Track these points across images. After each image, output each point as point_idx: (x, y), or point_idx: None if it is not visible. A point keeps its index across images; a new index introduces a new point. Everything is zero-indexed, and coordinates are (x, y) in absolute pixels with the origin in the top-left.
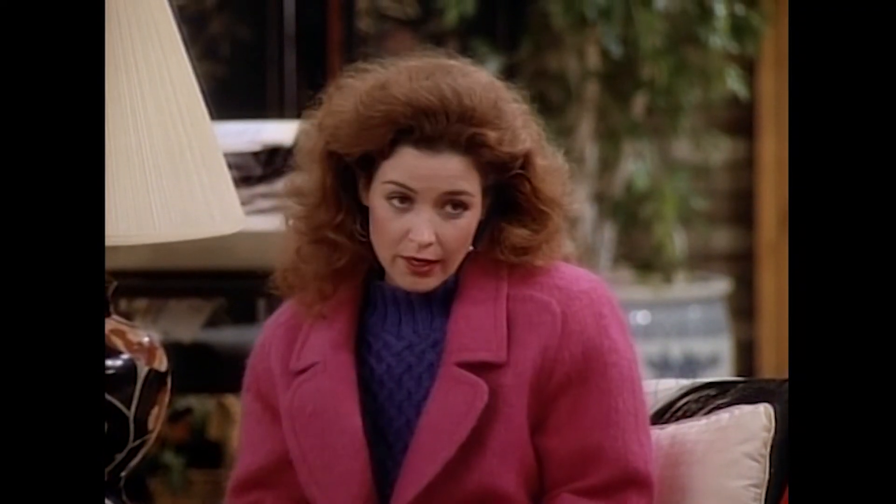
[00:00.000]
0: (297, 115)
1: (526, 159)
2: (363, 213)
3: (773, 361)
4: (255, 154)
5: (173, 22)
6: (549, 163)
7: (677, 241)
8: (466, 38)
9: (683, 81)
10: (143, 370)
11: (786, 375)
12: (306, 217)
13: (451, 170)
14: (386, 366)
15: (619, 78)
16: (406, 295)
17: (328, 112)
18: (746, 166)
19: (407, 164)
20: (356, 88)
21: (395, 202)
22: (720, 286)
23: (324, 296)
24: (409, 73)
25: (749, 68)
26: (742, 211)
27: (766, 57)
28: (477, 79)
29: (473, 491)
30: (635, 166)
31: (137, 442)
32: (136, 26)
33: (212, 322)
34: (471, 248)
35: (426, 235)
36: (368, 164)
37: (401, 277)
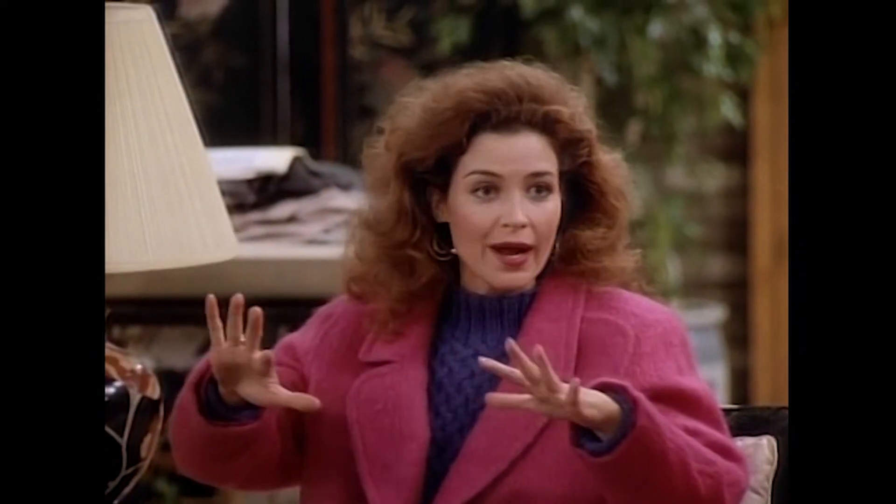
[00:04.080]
0: (291, 143)
1: (591, 147)
2: (438, 231)
3: (768, 389)
4: (249, 181)
5: (167, 49)
6: (612, 156)
7: (671, 269)
8: (460, 67)
9: (678, 109)
10: (135, 398)
11: (781, 403)
12: (383, 241)
13: (532, 149)
14: (447, 370)
15: (614, 105)
16: (480, 302)
17: (394, 129)
18: (741, 194)
19: (488, 150)
20: (417, 101)
21: (480, 193)
22: (714, 314)
23: (396, 315)
24: (468, 73)
25: (743, 96)
26: (736, 238)
27: (761, 84)
28: (535, 68)
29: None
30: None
31: (130, 470)
32: (129, 54)
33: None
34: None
35: (520, 216)
36: (444, 169)
37: (493, 273)
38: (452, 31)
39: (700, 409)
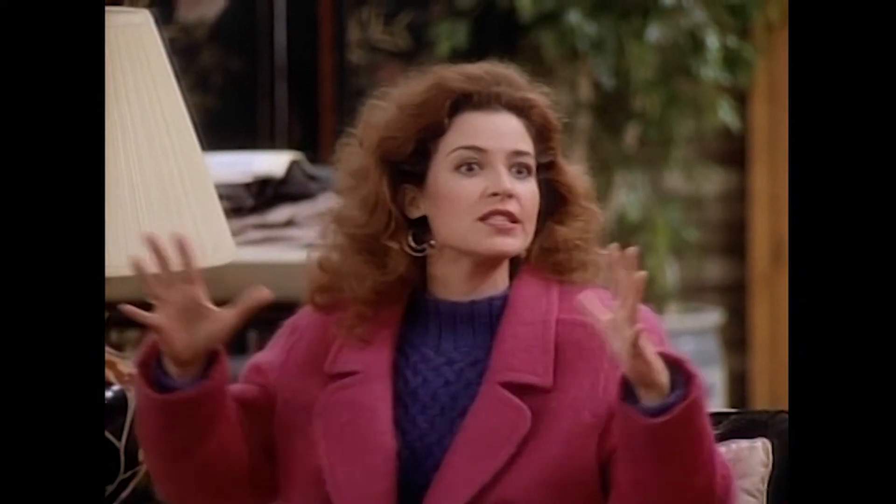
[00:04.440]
0: (289, 147)
1: (558, 146)
2: (411, 227)
3: (766, 392)
4: (247, 185)
5: (165, 53)
6: (575, 167)
7: (669, 273)
8: None
9: (675, 113)
10: (133, 401)
11: (778, 406)
12: (359, 229)
13: (513, 127)
14: (422, 379)
15: (611, 109)
16: (450, 308)
17: (367, 128)
18: (738, 197)
19: (472, 127)
20: (388, 100)
21: (464, 170)
22: (712, 317)
23: (363, 319)
24: (439, 68)
25: (741, 100)
26: (734, 242)
27: (759, 88)
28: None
29: None
30: (627, 197)
31: (128, 474)
32: (127, 58)
33: None
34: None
35: (507, 184)
36: (423, 157)
37: (485, 240)
38: (450, 35)
39: None
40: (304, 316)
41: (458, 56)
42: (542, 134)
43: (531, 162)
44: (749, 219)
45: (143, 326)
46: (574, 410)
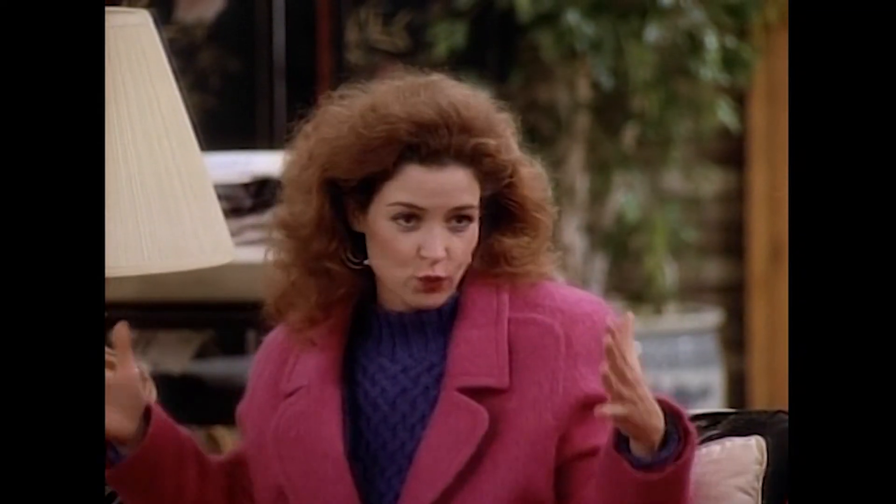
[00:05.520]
0: (287, 147)
1: (514, 168)
2: (353, 239)
3: (765, 393)
4: (245, 185)
5: (164, 54)
6: (533, 170)
7: (668, 273)
8: (456, 71)
9: (674, 113)
10: None
11: (777, 407)
12: (300, 248)
13: (457, 182)
14: (380, 389)
15: (610, 110)
16: (400, 318)
17: (319, 140)
18: (737, 198)
19: (414, 183)
20: (345, 114)
21: (402, 221)
22: (711, 318)
23: (314, 322)
24: (397, 92)
25: (740, 100)
26: (733, 242)
27: (757, 89)
28: (464, 91)
29: None
30: (626, 198)
31: None
32: (126, 58)
33: (201, 354)
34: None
35: (440, 251)
36: (367, 188)
37: (412, 296)
38: (449, 36)
39: None
40: (277, 333)
41: (457, 57)
42: (492, 174)
43: (473, 212)
44: (747, 219)
45: (141, 327)
46: (535, 411)
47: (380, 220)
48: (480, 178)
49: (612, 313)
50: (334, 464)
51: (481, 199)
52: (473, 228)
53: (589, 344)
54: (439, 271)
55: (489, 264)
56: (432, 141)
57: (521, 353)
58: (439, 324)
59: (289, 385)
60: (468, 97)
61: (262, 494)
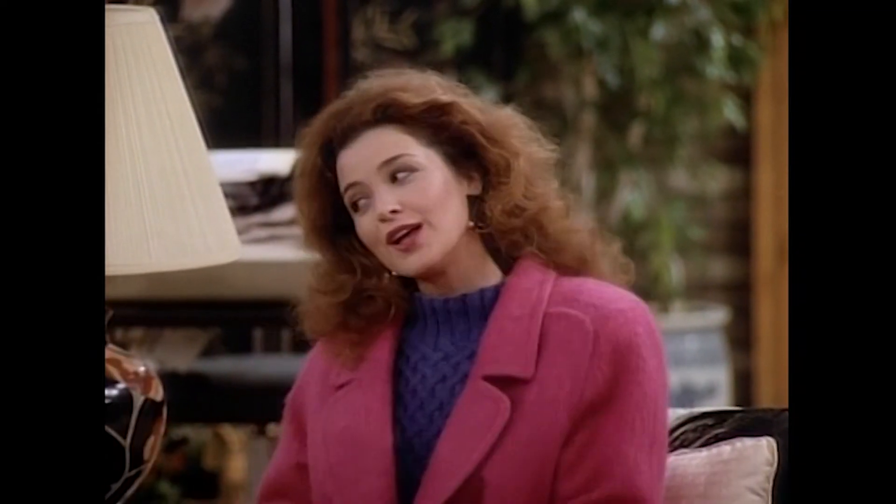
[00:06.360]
0: (293, 145)
1: (455, 111)
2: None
3: (771, 391)
4: (252, 184)
5: (170, 52)
6: (493, 114)
7: (674, 271)
8: (463, 69)
9: (680, 111)
10: (138, 400)
11: (783, 405)
12: (334, 294)
13: (379, 143)
14: (421, 376)
15: (616, 108)
16: (444, 305)
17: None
18: (743, 196)
19: (344, 167)
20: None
21: (359, 204)
22: (717, 316)
23: (355, 345)
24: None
25: (746, 98)
26: (739, 241)
27: (763, 87)
28: (408, 76)
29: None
30: (632, 196)
31: (133, 472)
32: (132, 56)
33: (208, 352)
34: (471, 224)
35: (387, 205)
36: (343, 209)
37: (400, 262)
38: (455, 34)
39: (634, 423)
40: (318, 346)
41: (463, 55)
42: (420, 119)
43: (410, 160)
44: (754, 218)
45: (148, 325)
46: (553, 409)
47: (353, 217)
48: (406, 128)
49: (648, 312)
50: (381, 456)
51: (443, 150)
52: (427, 175)
53: (617, 340)
54: (399, 222)
55: (494, 225)
56: (337, 125)
57: (550, 345)
58: (482, 310)
59: (339, 378)
60: (391, 73)
61: (316, 487)
